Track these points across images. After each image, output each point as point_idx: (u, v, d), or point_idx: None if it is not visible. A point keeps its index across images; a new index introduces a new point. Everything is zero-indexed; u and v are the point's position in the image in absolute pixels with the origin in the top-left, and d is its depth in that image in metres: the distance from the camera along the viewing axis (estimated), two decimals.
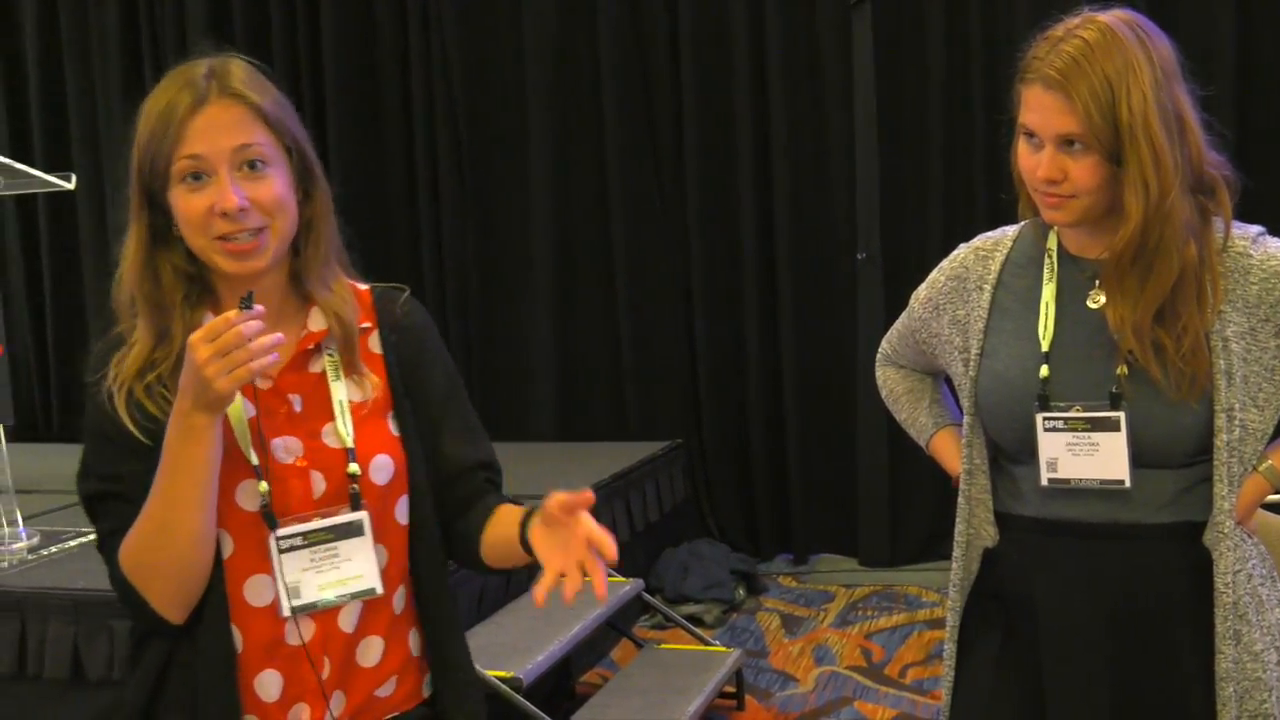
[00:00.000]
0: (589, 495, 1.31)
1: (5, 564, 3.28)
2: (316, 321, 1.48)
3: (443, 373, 1.58)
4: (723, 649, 3.93)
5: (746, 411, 5.40)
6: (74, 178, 3.83)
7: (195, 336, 1.28)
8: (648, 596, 4.15)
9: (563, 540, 1.33)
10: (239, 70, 1.41)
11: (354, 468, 1.44)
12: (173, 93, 1.39)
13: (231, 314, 1.28)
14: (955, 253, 1.84)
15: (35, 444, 5.95)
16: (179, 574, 1.38)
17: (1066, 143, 1.57)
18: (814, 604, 4.85)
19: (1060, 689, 1.68)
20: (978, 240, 1.83)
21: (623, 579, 3.89)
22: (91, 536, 3.59)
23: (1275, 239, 1.68)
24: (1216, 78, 4.68)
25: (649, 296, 5.51)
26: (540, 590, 1.32)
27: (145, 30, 6.13)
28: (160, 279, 1.42)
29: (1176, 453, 1.62)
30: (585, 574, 1.32)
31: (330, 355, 1.48)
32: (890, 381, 2.02)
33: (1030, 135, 1.61)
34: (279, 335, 1.31)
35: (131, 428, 1.40)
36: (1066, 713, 1.68)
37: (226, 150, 1.37)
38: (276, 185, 1.39)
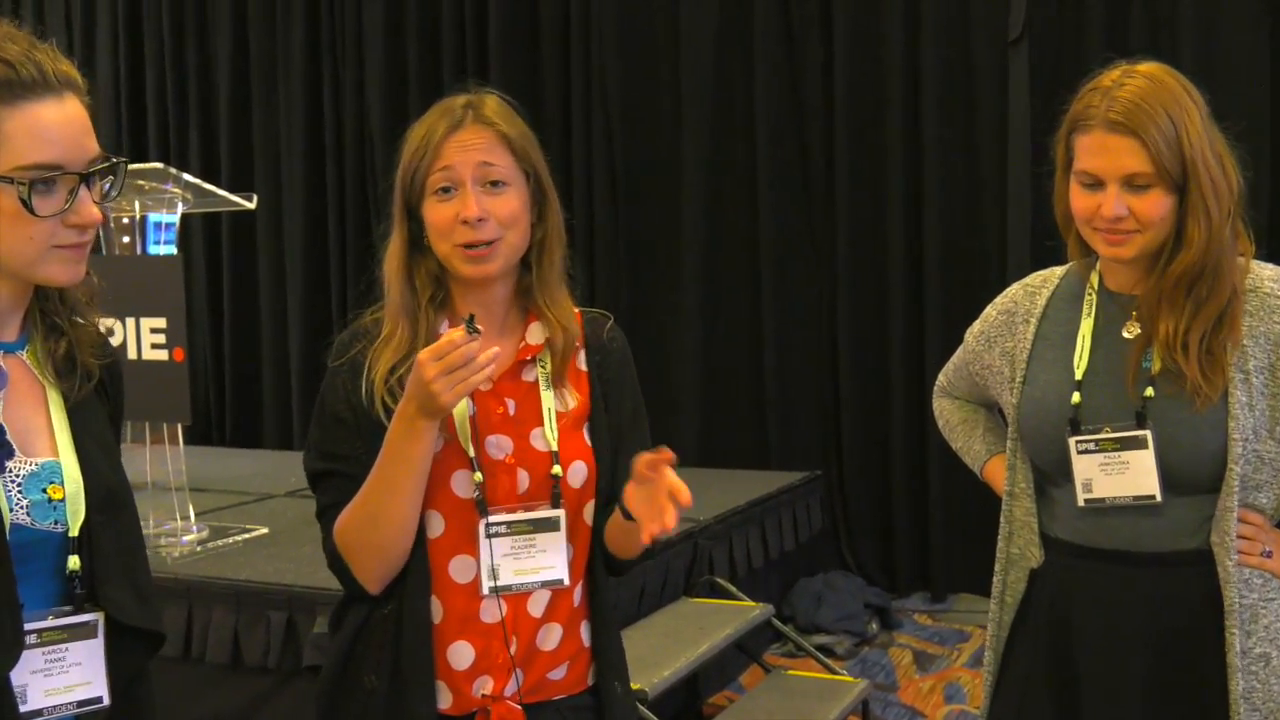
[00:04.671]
0: (669, 453, 1.46)
1: (177, 554, 3.53)
2: (535, 335, 1.65)
3: (632, 399, 1.74)
4: (850, 679, 3.95)
5: (889, 446, 5.40)
6: (255, 198, 4.08)
7: (424, 355, 1.45)
8: (777, 623, 4.20)
9: (648, 494, 1.47)
10: (492, 102, 1.62)
11: (557, 469, 1.60)
12: (434, 120, 1.60)
13: (456, 335, 1.45)
14: (1007, 290, 1.96)
15: (208, 446, 6.33)
16: (383, 552, 1.54)
17: (1130, 181, 1.65)
18: (949, 642, 4.81)
19: (1095, 706, 1.74)
20: (1028, 278, 1.95)
21: (752, 603, 3.95)
22: (256, 533, 3.87)
23: None
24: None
25: (794, 327, 5.57)
26: (644, 534, 1.46)
27: (326, 59, 6.49)
28: (414, 283, 1.61)
29: (1201, 477, 1.69)
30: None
31: (543, 367, 1.65)
32: (946, 412, 2.14)
33: (1089, 182, 1.69)
34: (496, 350, 1.48)
35: (380, 412, 1.55)
36: None
37: (472, 166, 1.56)
38: (512, 202, 1.58)
